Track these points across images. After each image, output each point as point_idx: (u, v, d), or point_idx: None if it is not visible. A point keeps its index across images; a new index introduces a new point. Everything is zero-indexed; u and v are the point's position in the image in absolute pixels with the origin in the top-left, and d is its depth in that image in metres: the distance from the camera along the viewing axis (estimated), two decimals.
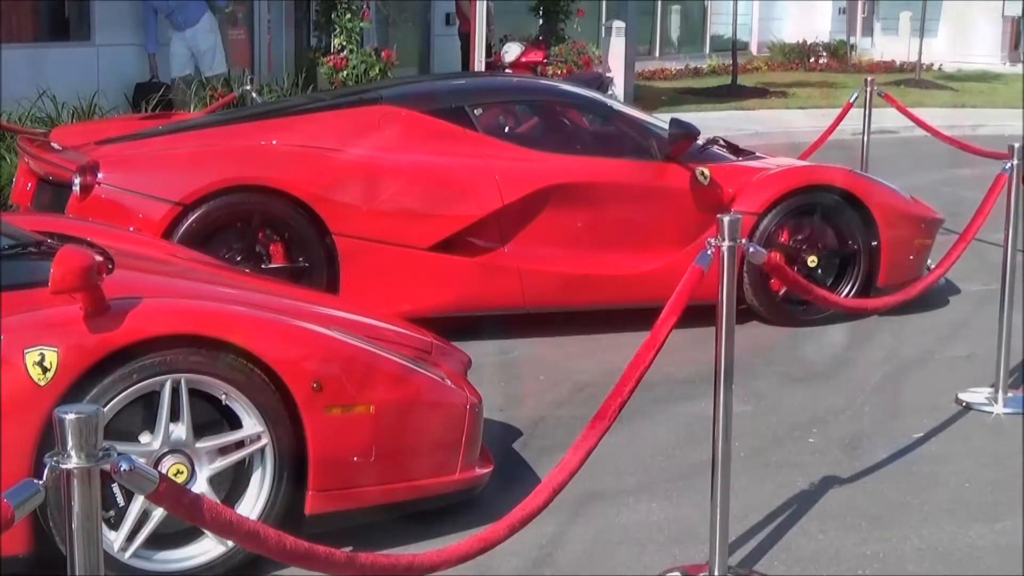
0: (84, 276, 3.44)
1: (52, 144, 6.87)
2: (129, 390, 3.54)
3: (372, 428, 3.90)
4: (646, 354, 3.63)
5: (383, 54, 12.77)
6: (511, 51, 14.01)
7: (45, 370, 3.46)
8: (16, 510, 1.94)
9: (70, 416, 1.95)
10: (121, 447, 2.40)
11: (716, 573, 3.72)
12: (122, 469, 2.04)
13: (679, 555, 4.02)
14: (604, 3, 20.21)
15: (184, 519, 2.77)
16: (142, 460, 2.36)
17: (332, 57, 12.13)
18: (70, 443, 1.95)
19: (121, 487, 3.45)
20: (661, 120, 7.44)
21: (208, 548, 3.72)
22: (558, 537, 4.07)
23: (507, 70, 12.43)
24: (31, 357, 3.44)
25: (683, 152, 6.81)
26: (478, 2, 11.33)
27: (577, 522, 4.21)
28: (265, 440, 3.71)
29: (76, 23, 13.10)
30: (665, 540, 4.19)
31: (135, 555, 3.60)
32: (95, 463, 1.95)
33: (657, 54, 24.54)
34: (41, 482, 1.99)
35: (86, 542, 2.04)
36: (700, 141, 7.06)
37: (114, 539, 3.60)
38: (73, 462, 1.93)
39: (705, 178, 6.71)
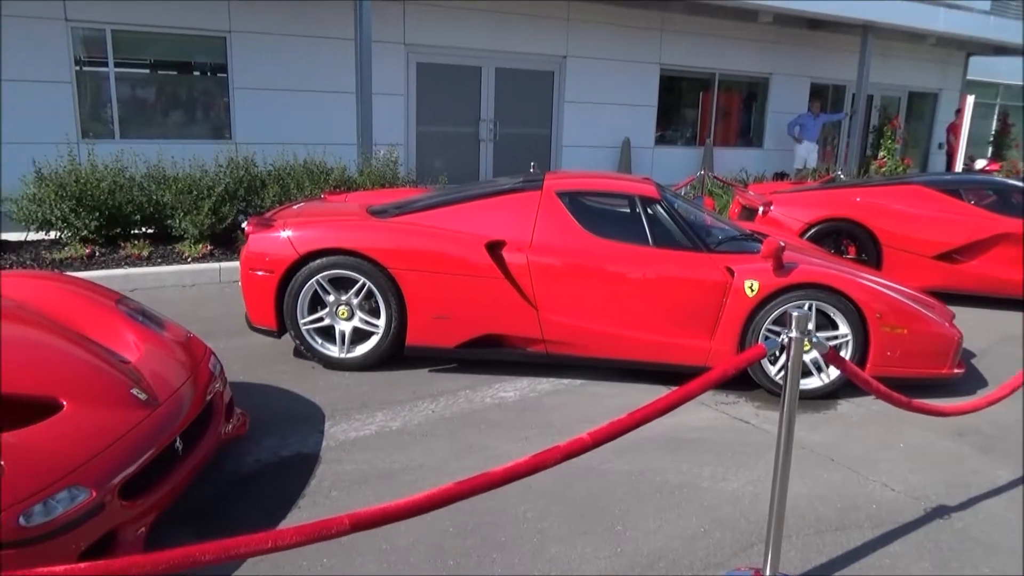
0: (776, 252, 4.05)
1: (748, 190, 7.75)
2: (787, 305, 4.06)
3: (902, 340, 4.17)
4: None
5: (905, 161, 13.57)
6: (979, 163, 14.72)
7: (752, 290, 4.09)
8: (771, 350, 2.31)
9: (796, 313, 2.27)
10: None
11: None
12: (814, 340, 2.37)
13: None
14: None
15: (838, 368, 2.95)
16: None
17: (879, 160, 13.06)
18: (794, 324, 2.27)
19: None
20: None
21: (815, 382, 4.20)
22: (1001, 416, 4.13)
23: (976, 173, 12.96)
24: (747, 283, 4.09)
25: None
26: (961, 140, 12.53)
27: (1016, 407, 4.25)
28: (849, 338, 4.11)
29: (756, 137, 14.21)
30: None
31: (782, 378, 4.08)
32: (803, 336, 2.28)
33: None
34: (780, 340, 2.30)
35: (793, 385, 2.34)
36: None
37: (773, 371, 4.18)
38: (794, 335, 2.26)
39: None
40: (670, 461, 3.43)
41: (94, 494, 2.26)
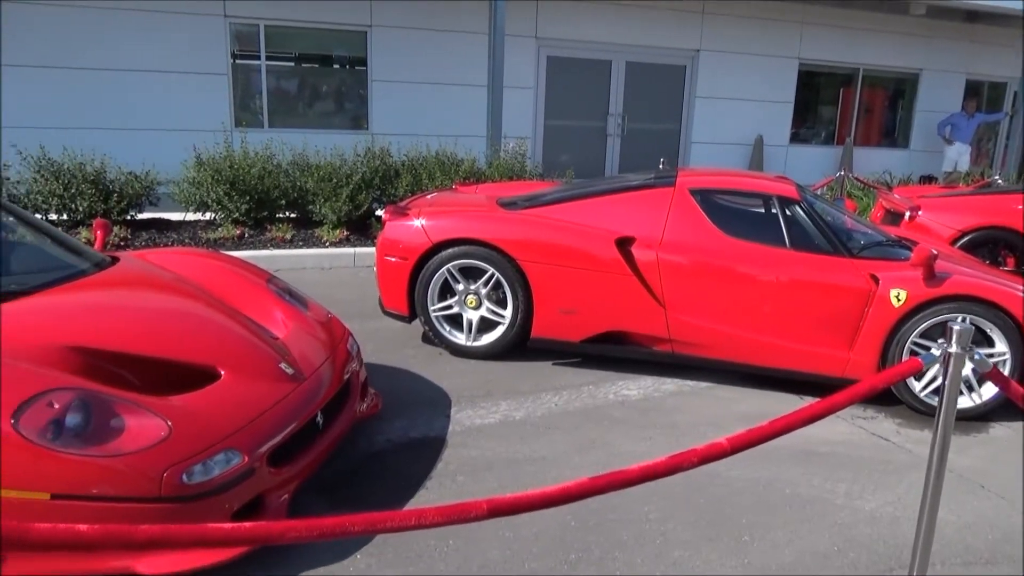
0: (928, 260, 3.78)
1: (893, 193, 7.06)
2: (935, 319, 3.71)
3: None
4: None
5: None
6: None
7: (899, 300, 3.84)
8: (927, 365, 2.13)
9: (957, 327, 2.09)
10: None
11: None
12: (976, 357, 2.16)
13: None
14: None
15: (1001, 389, 2.33)
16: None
17: None
18: (954, 339, 2.09)
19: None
20: None
21: (966, 402, 3.86)
22: None
23: None
24: (893, 293, 3.84)
25: None
26: None
27: None
28: (1007, 357, 3.78)
29: (901, 137, 13.35)
30: None
31: (927, 395, 3.85)
32: (964, 352, 2.11)
33: None
34: (938, 355, 2.12)
35: (950, 404, 2.17)
36: None
37: (917, 386, 3.92)
38: (954, 350, 2.09)
39: None
40: (801, 474, 3.28)
41: (246, 459, 2.41)
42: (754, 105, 12.01)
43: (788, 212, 4.27)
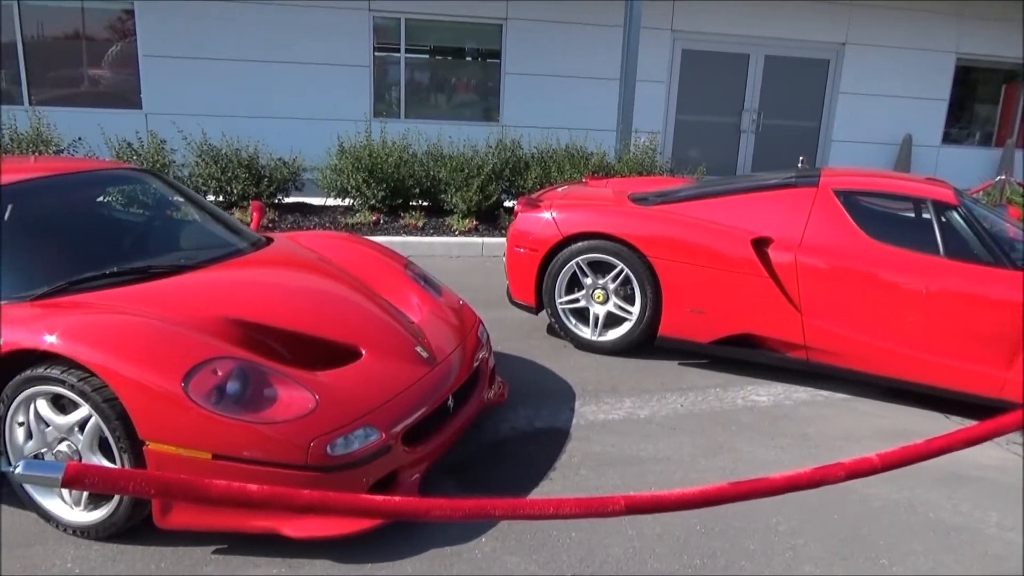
0: None
1: None
2: None
3: None
4: None
5: None
6: None
7: None
8: None
9: None
10: None
11: None
12: None
13: None
14: None
15: None
16: None
17: None
18: None
19: None
20: None
21: None
22: None
23: None
24: None
25: None
26: None
27: None
28: None
29: None
30: None
31: None
32: None
33: None
34: None
35: None
36: None
37: None
38: None
39: None
40: (946, 498, 3.06)
41: (383, 436, 2.51)
42: (903, 102, 11.26)
43: (943, 217, 3.97)
